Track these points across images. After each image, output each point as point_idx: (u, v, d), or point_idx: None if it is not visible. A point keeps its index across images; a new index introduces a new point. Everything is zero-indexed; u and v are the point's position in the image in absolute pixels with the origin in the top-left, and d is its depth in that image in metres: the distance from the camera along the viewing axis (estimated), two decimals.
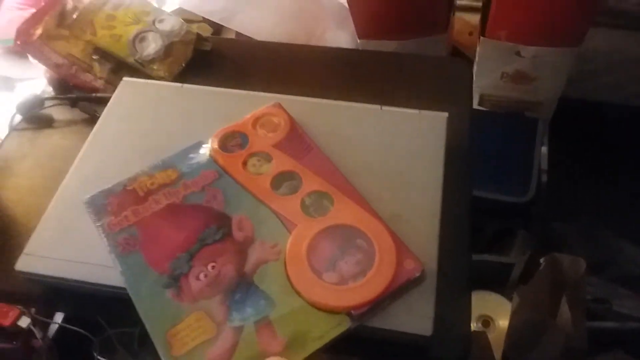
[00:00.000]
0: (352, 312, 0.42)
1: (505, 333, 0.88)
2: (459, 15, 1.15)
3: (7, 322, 0.79)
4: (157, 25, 0.68)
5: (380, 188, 0.50)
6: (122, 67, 0.66)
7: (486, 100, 1.05)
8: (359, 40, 1.00)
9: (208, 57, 0.70)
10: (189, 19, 0.89)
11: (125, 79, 0.62)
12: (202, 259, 0.45)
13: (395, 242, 0.45)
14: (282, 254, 0.45)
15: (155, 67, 0.65)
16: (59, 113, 0.66)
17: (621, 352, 0.86)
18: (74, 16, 0.67)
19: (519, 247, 0.99)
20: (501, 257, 0.97)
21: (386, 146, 0.54)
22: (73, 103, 0.65)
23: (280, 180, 0.50)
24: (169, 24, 0.68)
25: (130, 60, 0.65)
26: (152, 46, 0.66)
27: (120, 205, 0.49)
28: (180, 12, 0.92)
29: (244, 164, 0.51)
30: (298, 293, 0.43)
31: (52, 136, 0.64)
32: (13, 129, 0.64)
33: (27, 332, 0.89)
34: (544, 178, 0.97)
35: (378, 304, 0.42)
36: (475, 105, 1.04)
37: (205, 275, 0.44)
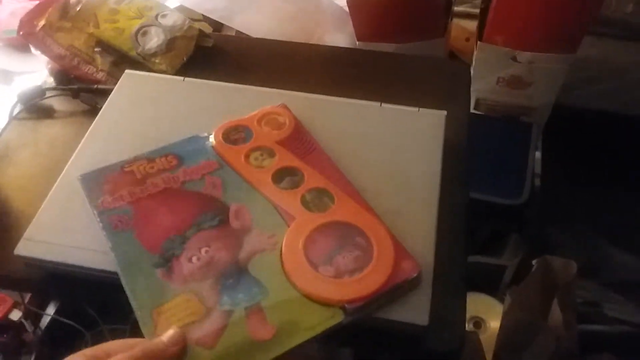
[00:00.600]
0: (347, 306, 0.42)
1: (496, 334, 0.88)
2: (456, 21, 1.16)
3: None
4: (160, 20, 0.69)
5: (377, 183, 0.51)
6: (124, 60, 0.67)
7: (482, 104, 1.06)
8: (357, 43, 1.01)
9: (209, 53, 0.71)
10: (189, 17, 0.89)
11: (127, 71, 0.63)
12: (196, 243, 0.45)
13: (394, 243, 0.45)
14: (279, 245, 0.45)
15: (157, 60, 0.66)
16: (60, 104, 0.66)
17: (611, 355, 0.87)
18: (77, 9, 0.68)
19: (511, 249, 1.00)
20: (493, 259, 0.98)
21: (385, 142, 0.55)
22: (74, 94, 0.65)
23: (282, 175, 0.50)
24: (172, 19, 0.69)
25: (133, 53, 0.66)
26: (154, 40, 0.67)
27: (115, 185, 0.49)
28: (181, 9, 0.93)
29: (247, 156, 0.52)
30: (293, 284, 0.43)
31: (53, 126, 0.64)
32: (14, 118, 0.64)
33: (18, 325, 0.89)
34: (538, 182, 0.98)
35: (373, 301, 0.42)
36: (471, 109, 1.05)
37: (198, 259, 0.44)
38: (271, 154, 0.52)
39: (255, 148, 0.52)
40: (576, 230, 1.11)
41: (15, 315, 0.88)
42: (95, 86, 0.65)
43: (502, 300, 0.96)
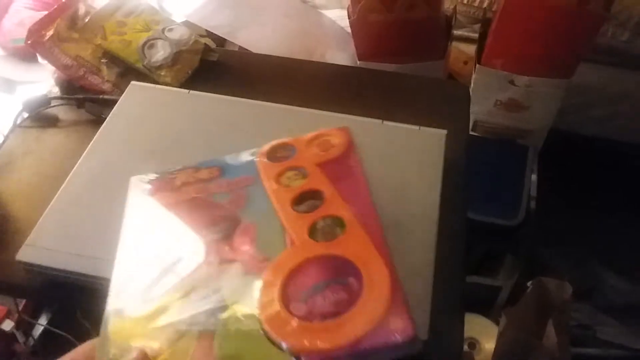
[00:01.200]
0: (302, 357, 0.35)
1: (490, 356, 0.88)
2: (455, 44, 1.19)
3: None
4: (167, 33, 0.70)
5: (378, 198, 0.51)
6: (129, 72, 0.68)
7: (479, 126, 1.08)
8: (358, 62, 1.03)
9: (214, 67, 0.72)
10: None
11: (133, 82, 0.64)
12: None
13: (393, 293, 0.38)
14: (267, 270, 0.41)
15: (162, 73, 0.67)
16: (65, 113, 0.67)
17: None
18: (86, 20, 0.69)
19: (506, 270, 1.01)
20: (488, 279, 0.99)
21: (385, 159, 0.55)
22: (80, 104, 0.66)
23: (305, 197, 0.48)
24: (178, 33, 0.70)
25: (139, 65, 0.67)
26: (160, 53, 0.68)
27: (156, 189, 0.49)
28: (186, 25, 0.94)
29: (280, 175, 0.50)
30: (258, 316, 0.38)
31: (57, 135, 0.65)
32: (18, 125, 0.65)
33: (10, 335, 0.88)
34: (533, 204, 0.99)
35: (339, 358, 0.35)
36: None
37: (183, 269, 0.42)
38: (305, 175, 0.50)
39: (292, 167, 0.50)
40: (570, 252, 1.12)
41: (7, 325, 0.87)
42: (101, 96, 0.66)
43: (496, 321, 0.96)
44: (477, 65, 0.99)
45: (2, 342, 0.88)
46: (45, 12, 0.68)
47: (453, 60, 1.19)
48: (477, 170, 1.00)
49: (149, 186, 0.50)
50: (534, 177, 1.03)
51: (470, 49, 1.17)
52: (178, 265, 0.43)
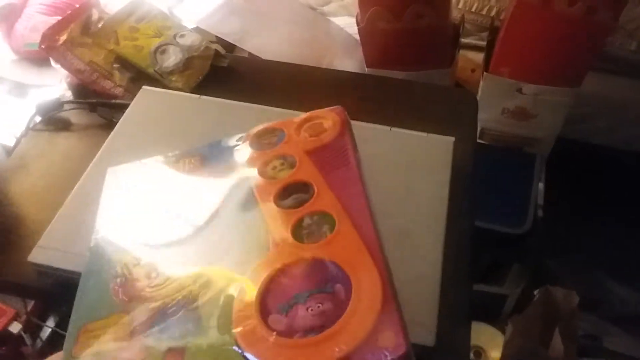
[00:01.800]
0: None
1: None
2: (463, 53, 1.19)
3: None
4: (178, 39, 0.71)
5: (385, 205, 0.51)
6: (141, 77, 0.69)
7: (487, 134, 1.08)
8: (366, 69, 1.03)
9: (224, 73, 0.72)
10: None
11: (144, 87, 0.65)
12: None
13: (384, 302, 0.33)
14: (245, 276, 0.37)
15: (173, 78, 0.68)
16: (77, 117, 0.67)
17: None
18: (99, 26, 0.70)
19: (513, 279, 1.00)
20: (495, 287, 0.98)
21: (393, 166, 0.56)
22: (92, 108, 0.67)
23: (291, 190, 0.43)
24: (190, 39, 0.71)
25: (150, 70, 0.68)
26: (172, 58, 0.69)
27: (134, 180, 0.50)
28: (196, 31, 0.95)
29: (265, 164, 0.46)
30: (233, 330, 0.34)
31: (69, 138, 0.65)
32: (31, 129, 0.66)
33: (17, 338, 0.88)
34: (540, 213, 0.99)
35: None
36: None
37: (157, 276, 0.39)
38: (292, 165, 0.45)
39: (278, 156, 0.46)
40: (576, 262, 1.12)
41: (15, 327, 0.87)
42: (113, 101, 0.67)
43: (502, 330, 0.96)
44: (485, 73, 0.99)
45: (10, 344, 0.88)
46: (58, 17, 0.69)
47: (461, 68, 1.20)
48: (484, 178, 0.99)
49: (126, 177, 0.49)
50: (541, 185, 1.03)
51: (478, 57, 1.17)
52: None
